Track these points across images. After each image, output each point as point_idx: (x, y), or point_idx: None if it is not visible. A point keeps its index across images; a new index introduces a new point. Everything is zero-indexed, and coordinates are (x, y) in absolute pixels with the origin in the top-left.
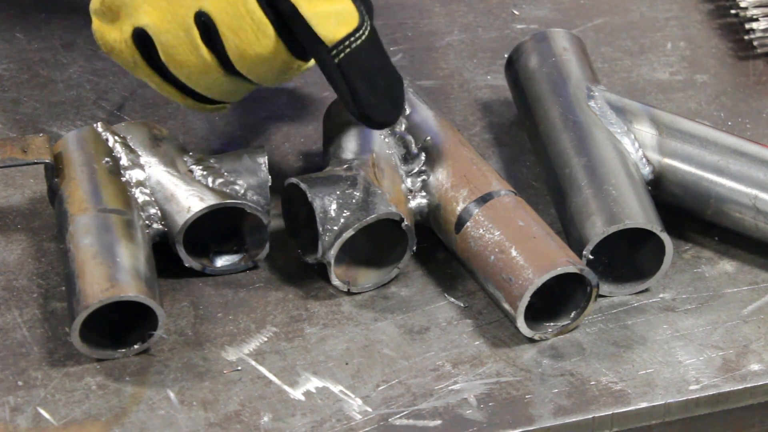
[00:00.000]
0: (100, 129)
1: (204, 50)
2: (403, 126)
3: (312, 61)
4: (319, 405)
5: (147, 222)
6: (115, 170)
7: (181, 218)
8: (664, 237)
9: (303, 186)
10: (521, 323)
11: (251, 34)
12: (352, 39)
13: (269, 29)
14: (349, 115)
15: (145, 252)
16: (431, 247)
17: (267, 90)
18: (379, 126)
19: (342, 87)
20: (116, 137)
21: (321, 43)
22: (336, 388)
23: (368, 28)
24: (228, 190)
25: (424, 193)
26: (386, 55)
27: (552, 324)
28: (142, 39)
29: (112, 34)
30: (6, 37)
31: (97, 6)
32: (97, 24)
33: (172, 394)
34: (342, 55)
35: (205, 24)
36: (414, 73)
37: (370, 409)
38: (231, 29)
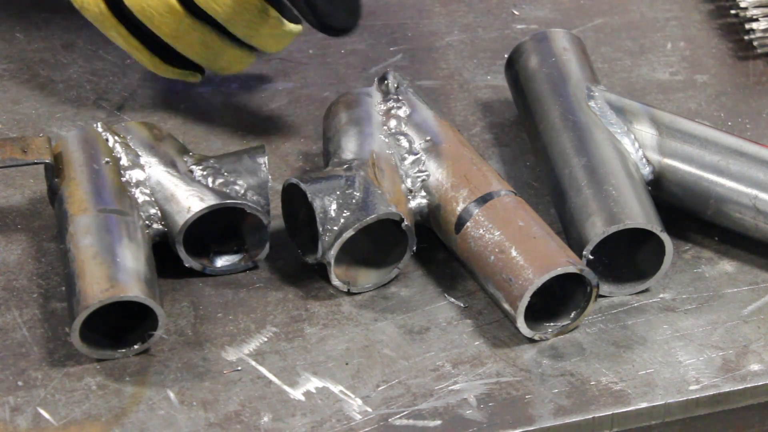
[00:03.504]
0: (100, 129)
1: None
2: (403, 126)
3: (299, 27)
4: (319, 405)
5: (147, 222)
6: (115, 170)
7: (181, 218)
8: (664, 237)
9: (303, 186)
10: (521, 323)
11: None
12: None
13: None
14: (343, 111)
15: (145, 252)
16: (431, 247)
17: (267, 90)
18: (339, 33)
19: (302, 4)
20: (116, 137)
21: None
22: (336, 388)
23: None
24: (228, 190)
25: (424, 193)
26: None
27: (552, 324)
28: None
29: None
30: (6, 37)
31: None
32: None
33: (172, 394)
34: None
35: None
36: (414, 73)
37: (370, 409)
38: None
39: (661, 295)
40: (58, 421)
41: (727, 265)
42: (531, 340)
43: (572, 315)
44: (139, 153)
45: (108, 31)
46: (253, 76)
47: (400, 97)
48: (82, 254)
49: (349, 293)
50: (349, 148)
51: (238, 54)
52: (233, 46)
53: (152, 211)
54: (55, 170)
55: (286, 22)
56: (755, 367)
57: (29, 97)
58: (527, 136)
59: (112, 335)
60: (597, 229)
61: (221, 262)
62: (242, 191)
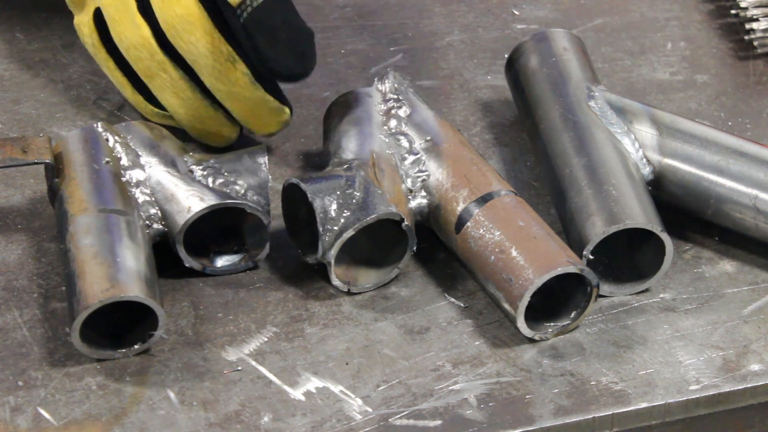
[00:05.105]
0: (100, 129)
1: (138, 18)
2: (403, 126)
3: (285, 110)
4: (320, 405)
5: (147, 222)
6: (116, 170)
7: (182, 218)
8: (665, 237)
9: (303, 186)
10: (521, 323)
11: None
12: None
13: None
14: (349, 113)
15: (146, 252)
16: (431, 247)
17: None
18: (288, 79)
19: (246, 45)
20: (116, 137)
21: (227, 4)
22: (336, 388)
23: None
24: (228, 190)
25: (424, 193)
26: (292, 11)
27: (552, 324)
28: (99, 19)
29: (82, 19)
30: (6, 37)
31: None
32: (76, 19)
33: (172, 394)
34: (245, 14)
35: None
36: (414, 73)
37: (370, 409)
38: None
39: (662, 295)
40: (59, 421)
41: (728, 265)
42: (531, 340)
43: (572, 315)
44: (140, 153)
45: (100, 63)
46: None
47: (400, 97)
48: (83, 254)
49: (349, 293)
50: (349, 148)
51: (213, 115)
52: (208, 106)
53: (152, 211)
54: (55, 170)
55: (261, 88)
56: (755, 367)
57: (29, 97)
58: (527, 136)
59: (112, 335)
60: (597, 229)
61: (221, 262)
62: (242, 191)
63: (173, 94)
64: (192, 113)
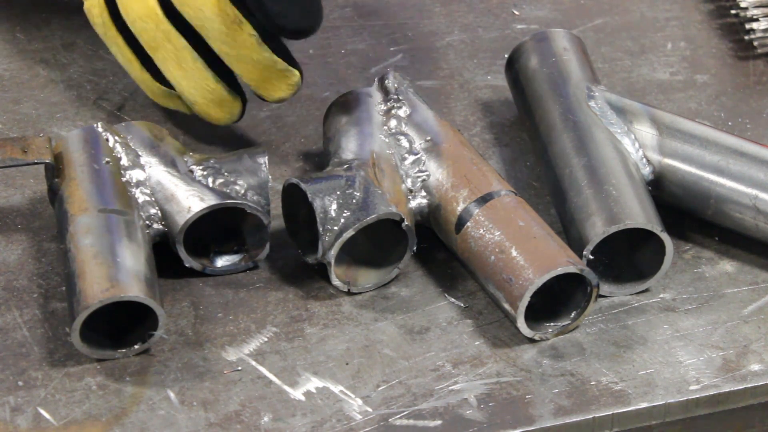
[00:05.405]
0: (100, 129)
1: None
2: (404, 126)
3: (295, 72)
4: (320, 405)
5: (147, 222)
6: (116, 170)
7: (182, 218)
8: (665, 237)
9: (303, 186)
10: (521, 323)
11: None
12: None
13: None
14: (350, 112)
15: (146, 252)
16: (431, 247)
17: None
18: (296, 34)
19: (251, 3)
20: (116, 137)
21: None
22: (336, 388)
23: None
24: (228, 190)
25: (424, 193)
26: None
27: (552, 324)
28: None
29: (92, 1)
30: (6, 37)
31: None
32: (87, 3)
33: (172, 394)
34: None
35: None
36: (414, 73)
37: (370, 409)
38: None
39: (662, 295)
40: (59, 421)
41: (728, 265)
42: (531, 340)
43: (572, 315)
44: (140, 153)
45: (109, 42)
46: None
47: (401, 97)
48: (83, 254)
49: (349, 293)
50: (349, 148)
51: (215, 88)
52: (210, 78)
53: (152, 211)
54: (55, 170)
55: (269, 50)
56: (755, 367)
57: (29, 97)
58: (527, 136)
59: (112, 335)
60: (597, 229)
61: (221, 262)
62: (242, 191)
63: (177, 65)
64: (194, 85)
